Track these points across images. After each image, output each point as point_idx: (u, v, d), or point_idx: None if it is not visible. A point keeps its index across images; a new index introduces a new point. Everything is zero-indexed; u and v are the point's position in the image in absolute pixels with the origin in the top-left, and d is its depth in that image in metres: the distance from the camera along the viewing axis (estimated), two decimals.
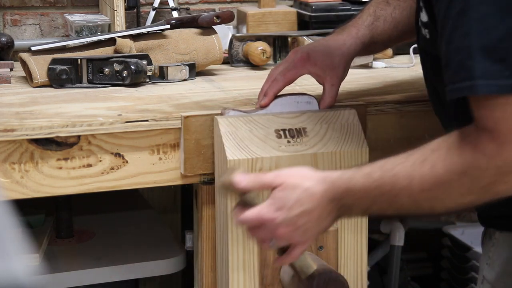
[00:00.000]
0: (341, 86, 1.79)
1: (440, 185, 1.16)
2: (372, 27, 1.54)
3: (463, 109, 1.18)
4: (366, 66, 1.97)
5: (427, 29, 1.32)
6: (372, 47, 1.57)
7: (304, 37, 2.01)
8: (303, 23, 2.18)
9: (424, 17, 1.31)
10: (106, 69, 1.76)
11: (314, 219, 1.22)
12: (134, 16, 2.13)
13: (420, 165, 1.16)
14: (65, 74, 1.74)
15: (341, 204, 1.21)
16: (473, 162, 1.13)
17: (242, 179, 1.22)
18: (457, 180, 1.14)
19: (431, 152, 1.16)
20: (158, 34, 1.86)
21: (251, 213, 1.22)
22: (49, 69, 1.74)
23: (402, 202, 1.19)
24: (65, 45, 1.84)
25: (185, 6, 2.23)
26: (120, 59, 1.76)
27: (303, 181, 1.22)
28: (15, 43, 1.95)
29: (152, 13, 2.15)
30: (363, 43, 1.53)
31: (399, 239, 2.16)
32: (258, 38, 2.01)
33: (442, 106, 1.38)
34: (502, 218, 1.36)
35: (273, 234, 1.23)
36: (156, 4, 2.15)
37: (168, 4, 2.14)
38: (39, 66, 1.75)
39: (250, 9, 2.21)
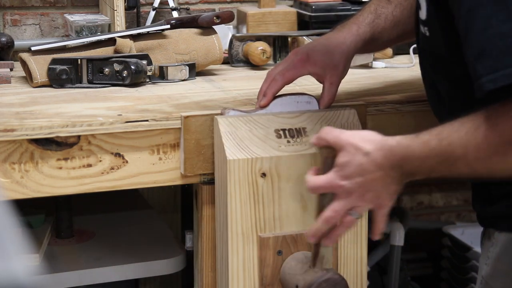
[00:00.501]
0: (341, 86, 1.79)
1: (495, 154, 1.16)
2: (373, 24, 1.54)
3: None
4: (366, 66, 1.97)
5: (427, 26, 1.31)
6: (372, 45, 1.56)
7: (304, 37, 2.01)
8: (303, 23, 2.18)
9: (423, 15, 1.31)
10: (106, 69, 1.76)
11: (380, 183, 1.24)
12: (134, 16, 2.13)
13: (474, 134, 1.17)
14: (65, 74, 1.74)
15: (402, 171, 1.25)
16: None
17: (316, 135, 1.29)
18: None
19: (484, 120, 1.16)
20: (158, 34, 1.86)
21: (320, 179, 1.26)
22: (49, 69, 1.74)
23: (460, 170, 1.21)
24: (65, 45, 1.84)
25: (185, 6, 2.23)
26: (120, 59, 1.76)
27: (363, 145, 1.24)
28: (15, 43, 1.95)
29: (152, 13, 2.15)
30: (364, 40, 1.53)
31: (399, 239, 2.17)
32: (258, 38, 2.01)
33: (443, 105, 1.38)
34: (501, 218, 1.36)
35: (349, 201, 1.25)
36: (156, 4, 2.15)
37: (168, 4, 2.14)
38: (39, 66, 1.75)
39: (250, 9, 2.21)
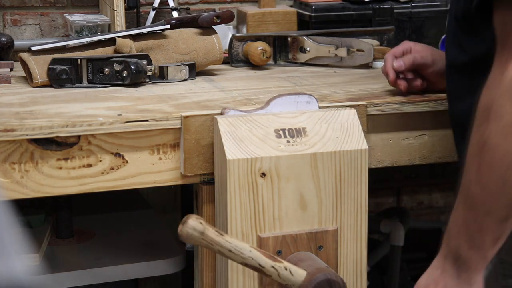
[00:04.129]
0: (341, 86, 1.79)
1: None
2: None
3: None
4: (366, 66, 1.97)
5: None
6: None
7: (304, 37, 2.01)
8: (303, 23, 2.18)
9: None
10: (106, 69, 1.76)
11: None
12: (134, 16, 2.13)
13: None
14: (65, 74, 1.74)
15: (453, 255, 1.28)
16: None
17: None
18: None
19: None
20: (158, 34, 1.86)
21: None
22: (49, 69, 1.74)
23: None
24: (65, 45, 1.84)
25: (185, 6, 2.23)
26: (120, 59, 1.76)
27: None
28: (15, 43, 1.95)
29: (152, 13, 2.15)
30: None
31: (399, 239, 2.17)
32: (258, 38, 2.01)
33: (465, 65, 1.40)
34: None
35: None
36: (156, 4, 2.15)
37: (168, 4, 2.14)
38: (39, 66, 1.75)
39: (250, 9, 2.21)
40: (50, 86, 1.75)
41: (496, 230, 1.23)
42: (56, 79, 1.74)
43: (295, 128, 1.50)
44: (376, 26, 2.14)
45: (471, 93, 1.33)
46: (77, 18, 2.05)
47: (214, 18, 1.88)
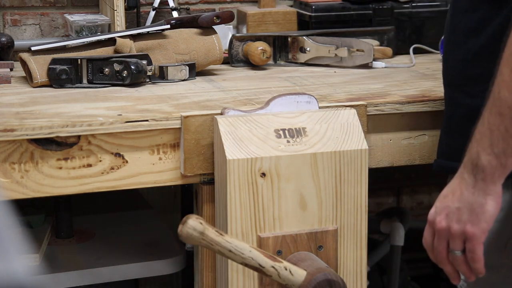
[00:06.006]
0: (341, 86, 1.79)
1: None
2: None
3: None
4: (366, 66, 1.97)
5: None
6: None
7: (304, 37, 2.01)
8: (303, 23, 2.18)
9: None
10: (106, 69, 1.76)
11: (457, 197, 1.29)
12: (134, 16, 2.13)
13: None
14: (65, 74, 1.74)
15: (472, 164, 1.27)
16: None
17: None
18: None
19: None
20: (158, 34, 1.86)
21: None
22: (49, 69, 1.74)
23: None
24: (65, 45, 1.84)
25: (185, 6, 2.23)
26: (120, 59, 1.76)
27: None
28: (15, 43, 1.95)
29: (152, 13, 2.15)
30: None
31: (399, 239, 2.17)
32: (258, 38, 2.01)
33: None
34: None
35: (437, 231, 1.34)
36: (156, 4, 2.16)
37: (168, 4, 2.14)
38: (39, 66, 1.75)
39: (250, 9, 2.21)
40: (50, 86, 1.75)
41: None
42: (56, 79, 1.74)
43: (295, 128, 1.50)
44: (376, 26, 2.14)
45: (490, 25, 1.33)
46: (77, 18, 2.05)
47: (214, 18, 1.88)
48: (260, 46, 1.96)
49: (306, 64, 2.00)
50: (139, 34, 1.86)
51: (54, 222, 1.92)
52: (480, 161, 1.25)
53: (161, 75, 1.80)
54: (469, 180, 1.27)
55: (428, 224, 1.36)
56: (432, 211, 1.35)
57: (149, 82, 1.80)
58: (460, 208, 1.29)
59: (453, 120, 1.45)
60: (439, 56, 2.06)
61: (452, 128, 1.45)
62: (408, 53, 2.05)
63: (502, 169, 1.25)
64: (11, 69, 1.88)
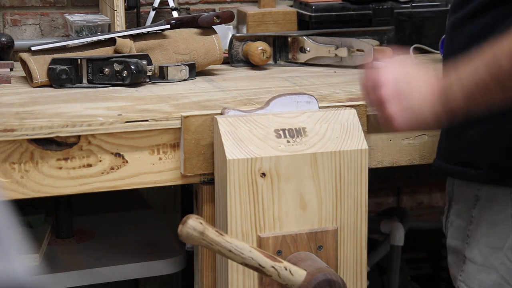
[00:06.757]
0: (341, 86, 1.79)
1: None
2: None
3: None
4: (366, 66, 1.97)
5: None
6: None
7: (304, 37, 2.01)
8: (303, 23, 2.18)
9: None
10: (106, 69, 1.76)
11: (414, 84, 1.28)
12: (134, 16, 2.13)
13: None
14: (65, 74, 1.74)
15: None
16: None
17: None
18: None
19: None
20: (158, 34, 1.86)
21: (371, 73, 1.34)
22: (49, 69, 1.74)
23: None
24: (65, 45, 1.84)
25: (185, 6, 2.23)
26: (120, 59, 1.76)
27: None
28: (15, 43, 1.95)
29: (152, 13, 2.15)
30: None
31: (399, 239, 2.17)
32: (258, 38, 2.01)
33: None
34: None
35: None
36: (156, 4, 2.16)
37: (168, 4, 2.14)
38: (39, 66, 1.75)
39: (250, 9, 2.21)
40: (50, 86, 1.75)
41: (492, 103, 1.23)
42: (56, 79, 1.74)
43: (295, 128, 1.50)
44: (376, 26, 2.14)
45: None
46: (77, 18, 2.05)
47: (214, 18, 1.88)
48: (260, 46, 1.96)
49: (306, 64, 2.00)
50: (139, 34, 1.86)
51: (54, 222, 1.92)
52: (447, 95, 1.26)
53: (161, 75, 1.80)
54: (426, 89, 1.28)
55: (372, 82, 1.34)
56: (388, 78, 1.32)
57: (149, 82, 1.80)
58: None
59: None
60: (439, 56, 2.06)
61: (450, 130, 1.45)
62: (408, 53, 2.05)
63: (450, 115, 1.27)
64: (11, 69, 1.88)
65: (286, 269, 1.38)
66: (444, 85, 1.26)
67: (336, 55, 1.97)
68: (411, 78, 1.30)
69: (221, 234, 1.34)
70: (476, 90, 1.22)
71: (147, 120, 1.50)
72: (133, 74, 1.74)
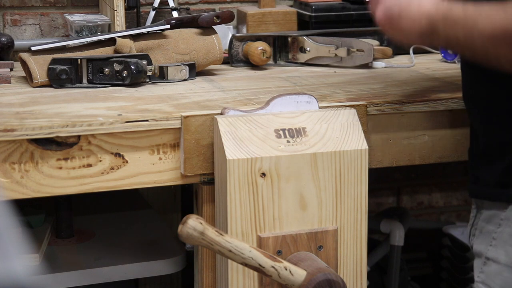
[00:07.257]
0: (341, 86, 1.79)
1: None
2: None
3: None
4: (366, 66, 1.97)
5: None
6: None
7: (304, 37, 2.01)
8: (303, 23, 2.18)
9: None
10: (106, 69, 1.76)
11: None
12: (134, 16, 2.13)
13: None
14: (65, 74, 1.74)
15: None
16: None
17: None
18: None
19: None
20: (158, 34, 1.86)
21: None
22: (49, 69, 1.74)
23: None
24: (65, 45, 1.84)
25: (185, 6, 2.23)
26: (120, 59, 1.76)
27: None
28: (15, 43, 1.95)
29: (152, 13, 2.15)
30: None
31: (399, 239, 2.17)
32: (258, 38, 2.01)
33: None
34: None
35: None
36: (156, 4, 2.16)
37: (168, 4, 2.14)
38: (39, 66, 1.76)
39: (250, 9, 2.21)
40: (50, 86, 1.75)
41: (475, 48, 1.23)
42: (56, 79, 1.74)
43: (295, 128, 1.50)
44: (376, 26, 2.13)
45: None
46: (77, 18, 2.05)
47: (214, 18, 1.88)
48: (260, 46, 1.96)
49: (306, 64, 2.00)
50: (139, 34, 1.86)
51: (54, 222, 1.92)
52: (430, 19, 1.30)
53: (161, 75, 1.80)
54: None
55: None
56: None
57: (149, 82, 1.80)
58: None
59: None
60: (439, 56, 2.06)
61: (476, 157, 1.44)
62: (408, 53, 2.05)
63: (429, 35, 1.30)
64: (11, 69, 1.88)
65: (286, 269, 1.38)
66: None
67: (336, 55, 1.97)
68: None
69: (221, 234, 1.34)
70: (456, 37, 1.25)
71: (147, 120, 1.50)
72: (133, 74, 1.74)
